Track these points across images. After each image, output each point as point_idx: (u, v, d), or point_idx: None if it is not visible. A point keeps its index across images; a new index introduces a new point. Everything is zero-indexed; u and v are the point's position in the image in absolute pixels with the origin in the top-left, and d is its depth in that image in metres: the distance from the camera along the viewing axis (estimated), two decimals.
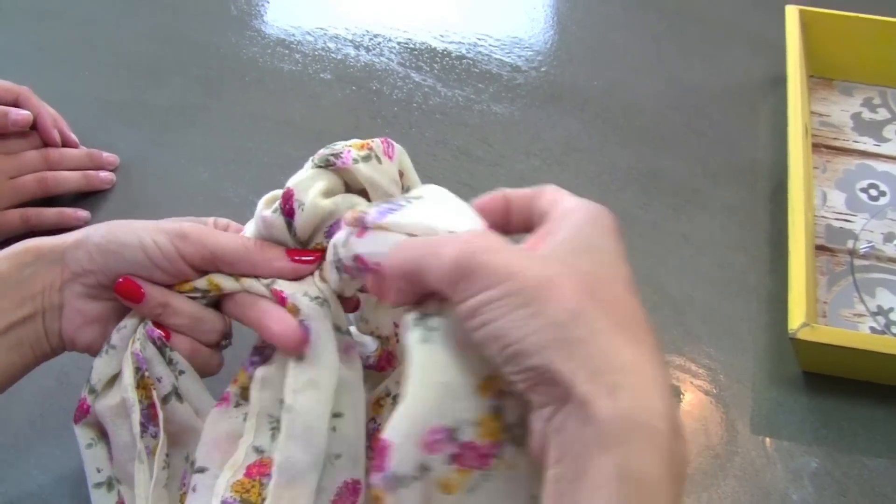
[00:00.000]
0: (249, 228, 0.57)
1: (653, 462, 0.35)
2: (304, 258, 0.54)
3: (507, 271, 0.37)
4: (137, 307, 0.54)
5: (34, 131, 0.81)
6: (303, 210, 0.54)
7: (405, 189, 0.58)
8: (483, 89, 0.96)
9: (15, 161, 0.78)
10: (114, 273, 0.54)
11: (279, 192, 0.56)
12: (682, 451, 0.36)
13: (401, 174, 0.58)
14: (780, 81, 0.90)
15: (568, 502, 0.35)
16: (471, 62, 0.99)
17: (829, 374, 0.72)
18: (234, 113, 0.92)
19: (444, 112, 0.93)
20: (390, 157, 0.57)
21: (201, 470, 0.54)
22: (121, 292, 0.54)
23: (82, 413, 0.57)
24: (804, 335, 0.66)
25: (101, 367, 0.56)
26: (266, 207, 0.56)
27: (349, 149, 0.55)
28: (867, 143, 0.90)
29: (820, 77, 0.97)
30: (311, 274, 0.55)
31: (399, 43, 1.01)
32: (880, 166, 0.88)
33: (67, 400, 0.68)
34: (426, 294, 0.42)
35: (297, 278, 0.54)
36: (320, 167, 0.55)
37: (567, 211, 0.43)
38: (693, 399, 0.71)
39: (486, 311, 0.37)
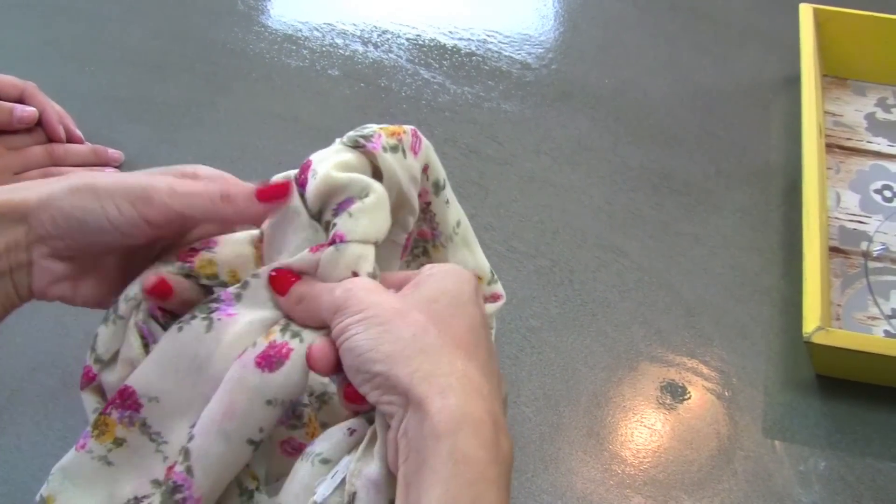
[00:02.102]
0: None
1: (478, 446, 0.42)
2: (273, 197, 0.53)
3: (370, 301, 0.47)
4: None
5: (39, 127, 0.80)
6: (315, 179, 0.52)
7: (431, 182, 0.57)
8: (493, 87, 0.95)
9: (20, 157, 0.78)
10: (80, 240, 0.52)
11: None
12: (505, 443, 0.44)
13: (426, 168, 0.57)
14: (793, 81, 0.90)
15: (413, 490, 0.43)
16: (480, 59, 0.98)
17: (843, 377, 0.71)
18: (241, 109, 0.91)
19: (454, 109, 0.92)
20: (415, 153, 0.56)
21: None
22: (154, 295, 0.53)
23: (88, 380, 0.54)
24: (819, 339, 0.65)
25: (107, 337, 0.53)
26: (283, 176, 0.54)
27: (380, 134, 0.54)
28: (881, 144, 0.90)
29: (833, 76, 0.96)
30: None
31: (408, 39, 1.00)
32: (894, 167, 0.87)
33: (71, 401, 0.68)
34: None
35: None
36: (346, 145, 0.53)
37: (432, 270, 0.51)
38: (705, 401, 0.70)
39: (350, 329, 0.46)
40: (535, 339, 0.73)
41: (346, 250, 0.51)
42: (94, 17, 1.02)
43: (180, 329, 0.52)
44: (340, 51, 0.98)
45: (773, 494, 0.65)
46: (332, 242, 0.51)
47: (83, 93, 0.91)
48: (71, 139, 0.82)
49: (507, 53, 0.99)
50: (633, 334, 0.74)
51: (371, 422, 0.50)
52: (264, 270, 0.53)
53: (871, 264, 0.79)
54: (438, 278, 0.50)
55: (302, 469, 0.51)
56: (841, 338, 0.66)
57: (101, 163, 0.83)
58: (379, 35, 1.01)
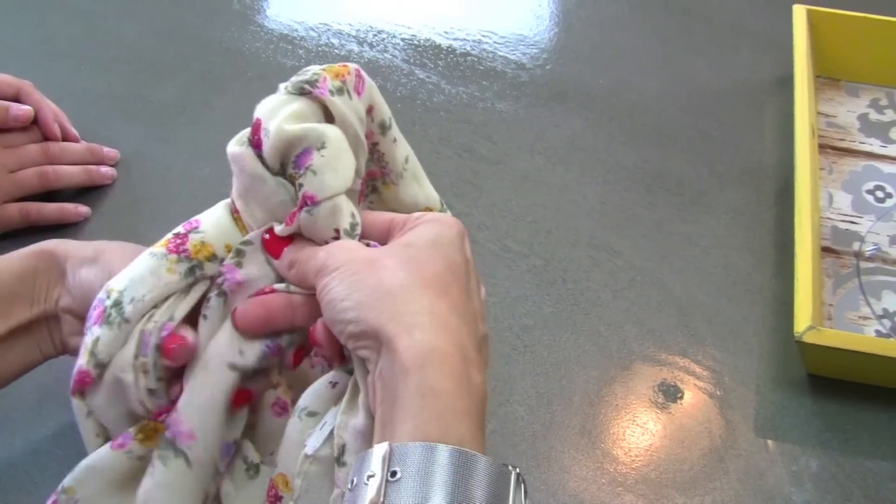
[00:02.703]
0: (233, 184, 0.55)
1: (445, 378, 0.44)
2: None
3: (345, 258, 0.50)
4: None
5: (35, 125, 0.80)
6: (268, 137, 0.52)
7: (377, 123, 0.57)
8: (487, 87, 0.95)
9: (15, 155, 0.78)
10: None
11: (247, 130, 0.54)
12: (476, 376, 0.46)
13: (370, 109, 0.57)
14: (786, 82, 0.90)
15: (388, 424, 0.44)
16: (475, 59, 0.98)
17: (834, 377, 0.71)
18: (237, 109, 0.91)
19: (448, 109, 0.92)
20: (359, 94, 0.55)
21: None
22: (171, 357, 0.53)
23: (82, 385, 0.54)
24: (810, 338, 0.66)
25: (109, 340, 0.53)
26: (236, 144, 0.54)
27: (325, 76, 0.53)
28: (874, 145, 0.90)
29: (826, 77, 0.97)
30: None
31: (403, 39, 1.00)
32: (887, 168, 0.88)
33: (65, 399, 0.67)
34: None
35: None
36: (293, 94, 0.53)
37: (417, 220, 0.53)
38: (697, 401, 0.70)
39: (327, 285, 0.49)
40: (527, 338, 0.73)
41: (320, 211, 0.52)
42: (90, 15, 1.02)
43: (205, 318, 0.54)
44: (336, 51, 0.99)
45: (765, 493, 0.65)
46: (304, 205, 0.52)
47: (78, 91, 0.92)
48: (66, 137, 0.82)
49: (501, 54, 0.99)
50: (626, 333, 0.74)
51: (350, 373, 0.52)
52: (255, 236, 0.54)
53: (863, 264, 0.79)
54: (419, 226, 0.53)
55: (291, 426, 0.52)
56: (832, 337, 0.66)
57: (96, 161, 0.83)
58: (374, 35, 1.01)
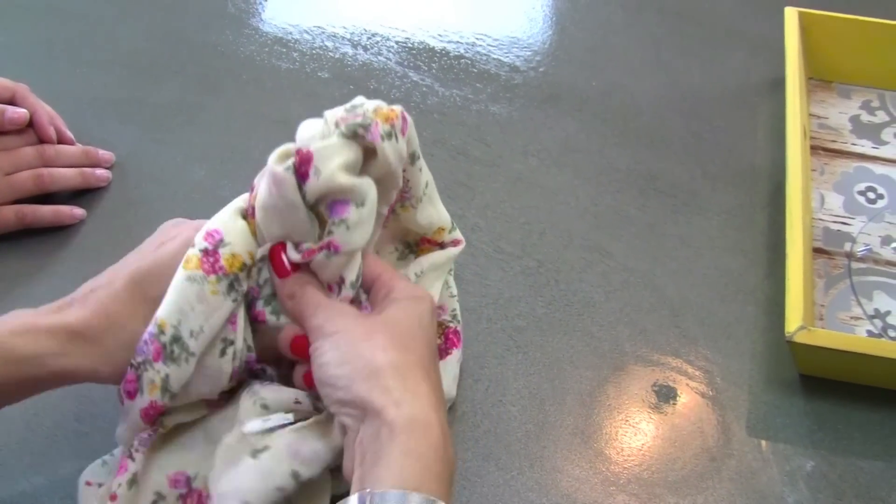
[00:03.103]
0: (261, 184, 0.57)
1: (427, 445, 0.50)
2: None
3: (342, 325, 0.55)
4: None
5: (30, 128, 0.80)
6: (318, 178, 0.54)
7: (409, 154, 0.61)
8: (481, 89, 0.95)
9: (11, 157, 0.78)
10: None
11: (291, 146, 0.56)
12: (449, 447, 0.52)
13: (413, 155, 0.62)
14: (778, 84, 0.90)
15: (368, 479, 0.49)
16: (469, 62, 0.99)
17: (825, 377, 0.72)
18: (231, 111, 0.92)
19: (442, 112, 0.92)
20: (404, 134, 0.59)
21: None
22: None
23: (157, 414, 0.57)
24: (801, 338, 0.66)
25: (179, 374, 0.56)
26: (278, 162, 0.56)
27: (377, 121, 0.56)
28: (865, 146, 0.90)
29: (819, 79, 0.97)
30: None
31: (397, 42, 1.01)
32: (878, 169, 0.88)
33: (62, 400, 0.68)
34: None
35: None
36: (346, 137, 0.55)
37: (398, 295, 0.58)
38: (689, 401, 0.71)
39: (322, 348, 0.54)
40: (520, 339, 0.74)
41: (338, 259, 0.56)
42: (86, 18, 1.02)
43: None
44: (330, 53, 0.99)
45: (757, 492, 0.65)
46: (326, 248, 0.56)
47: (74, 94, 0.92)
48: (62, 140, 0.82)
49: (495, 56, 0.99)
50: (619, 334, 0.75)
51: (314, 405, 0.58)
52: (266, 249, 0.58)
53: (855, 265, 0.80)
54: (402, 302, 0.57)
55: (245, 403, 0.57)
56: (822, 337, 0.67)
57: (91, 164, 0.83)
58: (369, 38, 1.01)
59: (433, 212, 0.67)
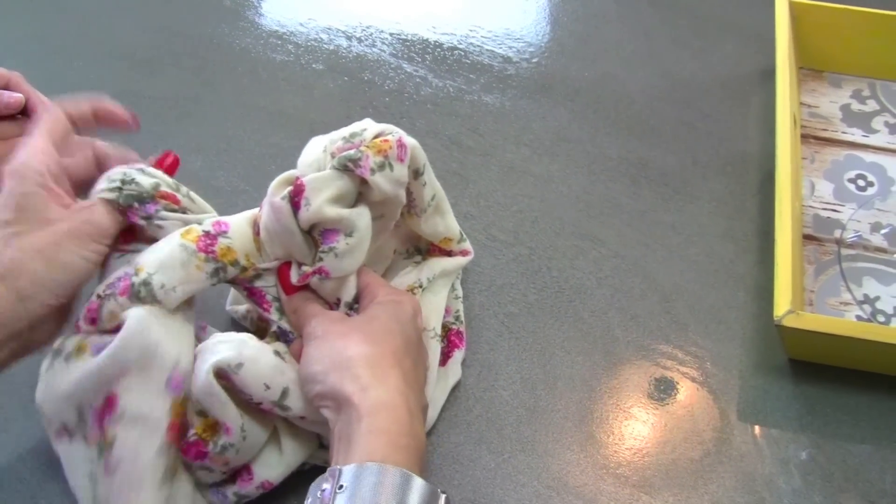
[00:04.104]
0: (264, 208, 0.61)
1: (392, 423, 0.53)
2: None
3: (326, 329, 0.59)
4: None
5: (25, 117, 0.81)
6: (308, 210, 0.58)
7: (412, 170, 0.64)
8: (474, 80, 0.96)
9: (6, 146, 0.78)
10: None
11: (291, 173, 0.61)
12: (419, 429, 0.55)
13: (417, 171, 0.65)
14: (769, 74, 0.91)
15: (340, 462, 0.52)
16: (462, 53, 0.99)
17: (814, 361, 0.72)
18: (227, 103, 0.92)
19: (436, 102, 0.93)
20: (402, 160, 0.62)
21: None
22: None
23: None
24: (789, 322, 0.67)
25: None
26: (276, 193, 0.60)
27: (368, 155, 0.60)
28: (856, 135, 0.91)
29: (809, 69, 0.98)
30: None
31: (391, 34, 1.01)
32: (868, 157, 0.89)
33: None
34: None
35: None
36: (338, 169, 0.59)
37: (383, 299, 0.62)
38: (680, 386, 0.71)
39: (308, 348, 0.59)
40: (512, 325, 0.74)
41: (330, 284, 0.62)
42: (82, 11, 1.03)
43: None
44: (325, 45, 1.00)
45: (746, 474, 0.66)
46: (318, 273, 0.61)
47: (70, 87, 0.91)
48: None
49: (488, 48, 1.00)
50: (610, 320, 0.75)
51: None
52: (274, 266, 0.63)
53: (845, 251, 0.80)
54: (385, 303, 0.61)
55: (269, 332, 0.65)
56: (811, 321, 0.67)
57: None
58: (363, 30, 1.02)
59: (439, 221, 0.70)
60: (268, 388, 0.58)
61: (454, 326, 0.72)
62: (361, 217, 0.60)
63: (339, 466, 0.51)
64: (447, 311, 0.72)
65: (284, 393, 0.58)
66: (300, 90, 0.94)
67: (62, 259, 0.56)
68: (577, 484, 0.65)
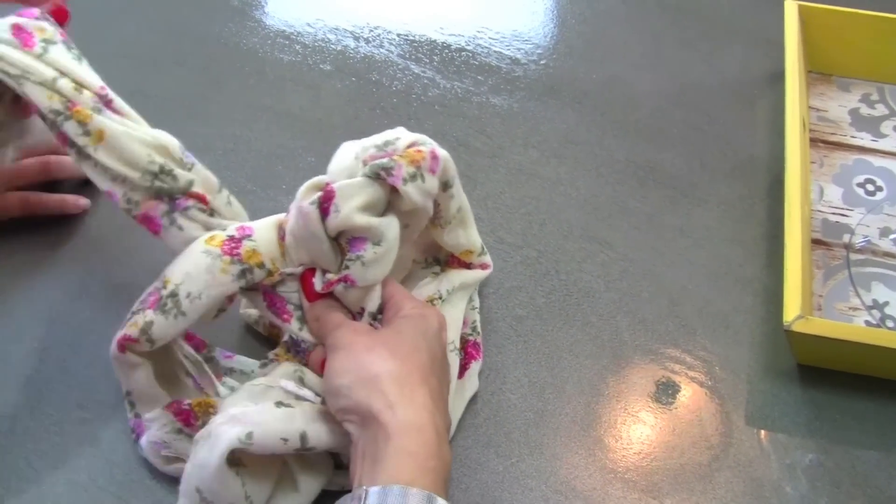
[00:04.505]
0: (291, 213, 0.61)
1: (420, 445, 0.53)
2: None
3: (351, 340, 0.59)
4: None
5: (36, 114, 0.80)
6: (337, 216, 0.58)
7: (441, 182, 0.63)
8: (482, 81, 0.96)
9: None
10: None
11: (321, 179, 0.60)
12: (446, 451, 0.55)
13: (446, 184, 0.65)
14: (778, 77, 0.91)
15: (367, 482, 0.52)
16: (470, 54, 0.99)
17: (823, 366, 0.72)
18: (234, 103, 0.92)
19: (443, 104, 0.93)
20: (433, 173, 0.62)
21: None
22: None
23: (128, 342, 0.59)
24: (799, 327, 0.66)
25: (164, 326, 0.59)
26: (305, 198, 0.60)
27: (401, 164, 0.59)
28: (864, 139, 0.91)
29: (818, 73, 0.97)
30: None
31: (399, 35, 1.01)
32: (877, 161, 0.89)
33: (65, 387, 0.69)
34: None
35: None
36: (369, 177, 0.59)
37: (408, 312, 0.61)
38: (688, 391, 0.71)
39: (332, 360, 0.58)
40: (520, 328, 0.74)
41: (355, 292, 0.61)
42: (88, 10, 1.02)
43: None
44: (332, 46, 0.99)
45: (754, 480, 0.66)
46: (343, 281, 0.60)
47: None
48: None
49: (496, 49, 1.00)
50: (618, 324, 0.75)
51: None
52: (298, 271, 0.62)
53: (853, 256, 0.80)
54: (410, 318, 0.61)
55: (286, 367, 0.64)
56: (820, 326, 0.67)
57: None
58: (370, 31, 1.02)
59: (462, 234, 0.70)
60: (286, 441, 0.57)
61: (471, 338, 0.71)
62: (390, 227, 0.60)
63: (365, 487, 0.51)
64: (465, 322, 0.71)
65: (303, 438, 0.57)
66: (307, 90, 0.94)
67: None
68: (585, 488, 0.65)
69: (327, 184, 0.59)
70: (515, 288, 0.77)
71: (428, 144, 0.62)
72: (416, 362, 0.57)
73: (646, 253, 0.80)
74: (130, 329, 0.58)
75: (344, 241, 0.60)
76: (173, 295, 0.58)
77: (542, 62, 0.99)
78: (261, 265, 0.60)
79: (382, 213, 0.60)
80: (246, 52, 0.98)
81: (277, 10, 1.04)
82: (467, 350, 0.70)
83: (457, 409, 0.68)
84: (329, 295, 0.62)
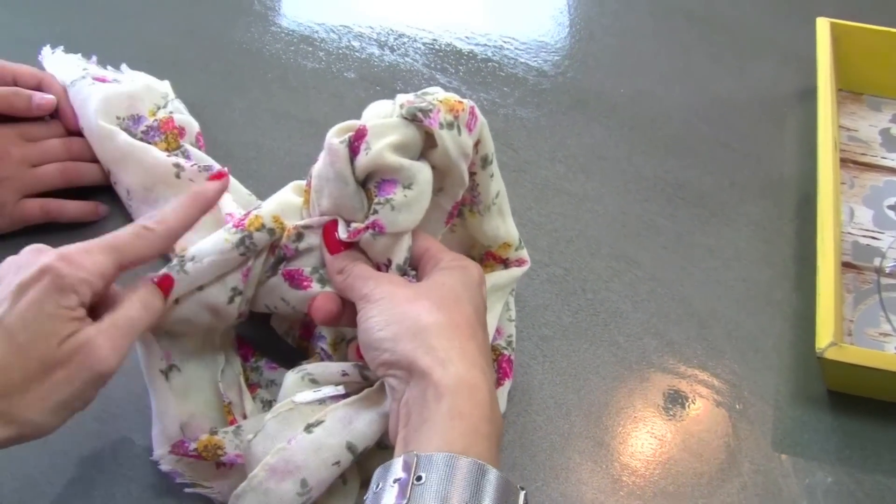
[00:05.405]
0: (321, 156, 0.59)
1: (474, 405, 0.49)
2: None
3: (388, 291, 0.55)
4: None
5: (56, 120, 0.80)
6: (367, 154, 0.55)
7: (480, 157, 0.61)
8: (508, 93, 0.95)
9: (38, 149, 0.77)
10: None
11: (354, 122, 0.58)
12: (496, 408, 0.51)
13: (477, 142, 0.60)
14: (808, 94, 0.89)
15: (412, 441, 0.49)
16: (496, 65, 0.98)
17: (854, 393, 0.71)
18: (256, 110, 0.91)
19: None
20: (470, 130, 0.58)
21: None
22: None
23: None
24: (832, 355, 0.65)
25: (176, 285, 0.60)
26: (336, 136, 0.58)
27: (439, 108, 0.57)
28: (895, 160, 0.89)
29: (848, 91, 0.96)
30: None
31: (424, 44, 1.00)
32: None
33: None
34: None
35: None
36: (405, 118, 0.56)
37: (450, 261, 0.58)
38: (715, 414, 0.70)
39: (368, 313, 0.54)
40: (546, 348, 0.73)
41: (384, 240, 0.57)
42: (110, 12, 1.02)
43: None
44: (357, 53, 0.98)
45: None
46: (372, 228, 0.57)
47: None
48: None
49: (523, 60, 0.99)
50: (645, 345, 0.74)
51: (362, 375, 0.59)
52: (317, 222, 0.60)
53: (884, 280, 0.79)
54: (450, 271, 0.57)
55: (290, 379, 0.60)
56: (853, 354, 0.66)
57: None
58: (395, 39, 1.01)
59: (501, 224, 0.66)
60: (338, 463, 0.55)
61: (506, 352, 0.68)
62: (422, 171, 0.57)
63: (416, 453, 0.47)
64: (499, 332, 0.68)
65: (351, 448, 0.55)
66: (331, 98, 0.93)
67: None
68: None
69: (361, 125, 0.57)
70: (541, 306, 0.76)
71: (468, 102, 0.59)
72: (463, 314, 0.54)
73: (674, 273, 0.79)
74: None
75: (373, 186, 0.57)
76: (181, 258, 0.59)
77: (569, 74, 0.98)
78: (260, 227, 0.60)
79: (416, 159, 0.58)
80: (269, 58, 0.97)
81: (301, 16, 1.03)
82: (501, 365, 0.68)
83: None
84: (353, 247, 0.59)
